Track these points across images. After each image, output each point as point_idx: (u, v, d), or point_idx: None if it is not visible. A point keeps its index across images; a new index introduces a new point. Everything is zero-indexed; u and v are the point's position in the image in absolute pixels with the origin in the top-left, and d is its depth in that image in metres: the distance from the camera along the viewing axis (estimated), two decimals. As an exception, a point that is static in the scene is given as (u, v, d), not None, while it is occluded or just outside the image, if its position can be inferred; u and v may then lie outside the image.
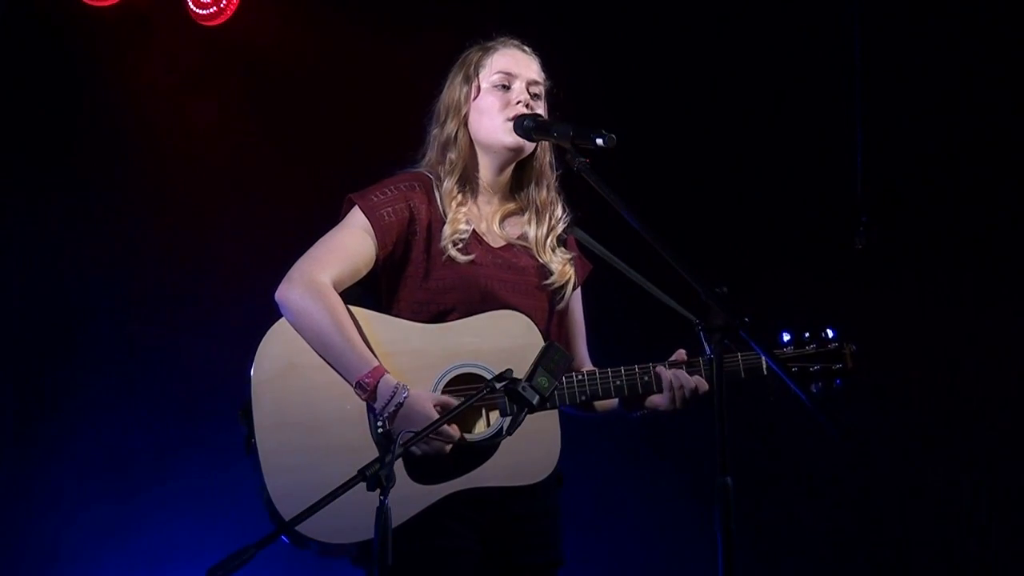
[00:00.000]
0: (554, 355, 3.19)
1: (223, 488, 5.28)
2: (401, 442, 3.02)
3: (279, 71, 5.65)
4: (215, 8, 5.57)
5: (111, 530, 5.42)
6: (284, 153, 5.60)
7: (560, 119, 3.57)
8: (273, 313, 3.50)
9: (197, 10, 5.56)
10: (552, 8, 5.60)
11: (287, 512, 3.33)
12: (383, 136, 3.99)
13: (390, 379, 3.38)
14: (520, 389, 3.14)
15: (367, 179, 3.69)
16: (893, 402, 5.61)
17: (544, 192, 3.70)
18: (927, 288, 5.64)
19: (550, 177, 3.72)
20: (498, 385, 3.16)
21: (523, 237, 3.69)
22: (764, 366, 3.56)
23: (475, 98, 3.64)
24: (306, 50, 5.65)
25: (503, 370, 3.17)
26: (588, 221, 3.77)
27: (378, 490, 2.89)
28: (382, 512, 2.89)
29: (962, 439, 5.61)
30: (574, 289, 3.74)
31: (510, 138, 3.60)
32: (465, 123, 3.65)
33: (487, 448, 3.44)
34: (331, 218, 3.63)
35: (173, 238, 5.55)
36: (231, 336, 5.19)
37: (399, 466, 3.36)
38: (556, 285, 3.68)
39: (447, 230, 3.57)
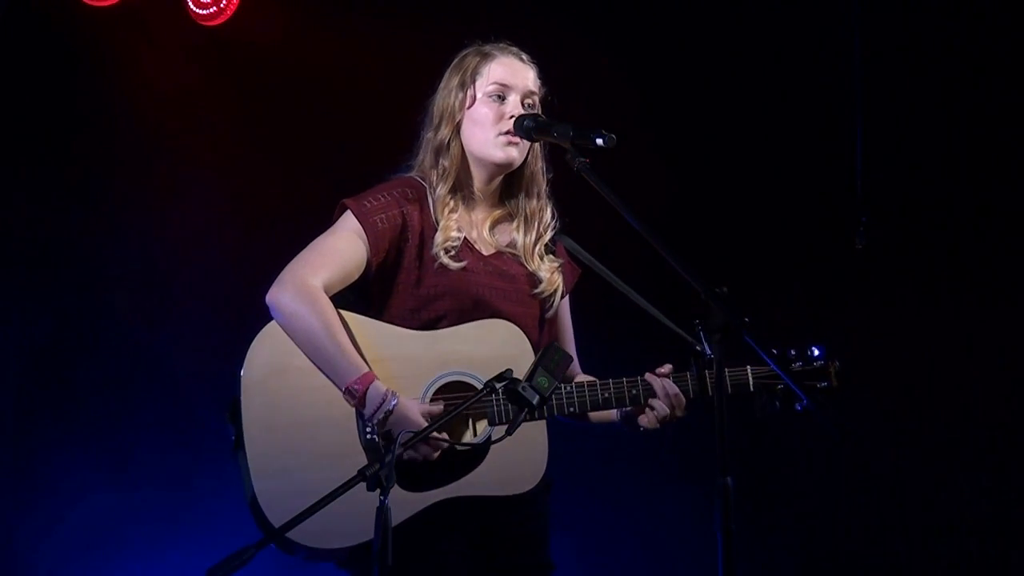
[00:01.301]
0: (554, 355, 3.19)
1: (219, 489, 5.29)
2: (401, 441, 3.02)
3: (279, 71, 5.65)
4: (215, 8, 5.56)
5: (111, 530, 5.42)
6: (284, 153, 5.60)
7: (560, 119, 3.56)
8: (266, 315, 3.49)
9: (197, 10, 5.56)
10: (552, 8, 5.60)
11: (273, 515, 3.32)
12: (383, 137, 3.98)
13: (379, 386, 3.36)
14: (520, 389, 3.14)
15: (367, 180, 3.69)
16: (892, 402, 5.61)
17: (534, 200, 3.70)
18: (927, 288, 5.64)
19: (541, 184, 3.71)
20: (498, 385, 3.15)
21: (512, 244, 3.68)
22: (751, 383, 3.58)
23: (470, 107, 3.63)
24: (306, 50, 5.64)
25: (502, 371, 3.17)
26: (577, 226, 3.76)
27: (378, 491, 2.90)
28: (382, 512, 2.89)
29: (962, 439, 5.61)
30: (562, 297, 3.74)
31: (501, 153, 3.59)
32: (458, 131, 3.64)
33: (476, 456, 3.44)
34: (330, 220, 3.62)
35: (171, 237, 5.55)
36: (227, 336, 5.22)
37: None
38: (545, 294, 3.67)
39: (439, 237, 3.55)
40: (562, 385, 3.51)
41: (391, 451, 2.94)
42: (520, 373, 3.16)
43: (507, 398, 3.23)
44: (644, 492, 5.76)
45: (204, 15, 5.57)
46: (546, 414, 3.48)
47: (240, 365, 3.45)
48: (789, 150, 5.71)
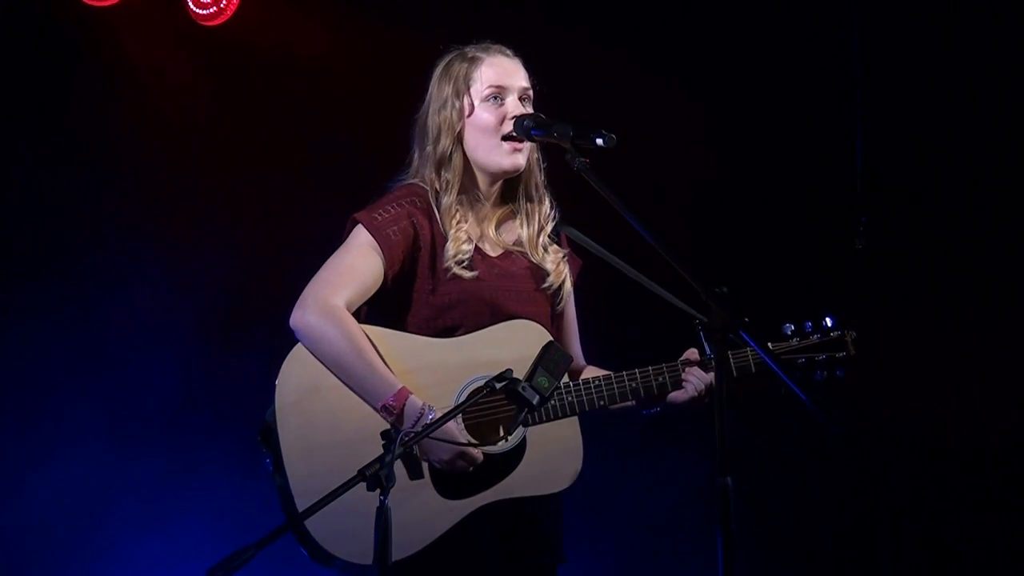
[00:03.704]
0: (554, 355, 3.19)
1: (231, 495, 5.31)
2: (402, 441, 3.02)
3: (279, 71, 5.65)
4: (215, 8, 5.56)
5: (119, 536, 5.43)
6: (285, 154, 5.60)
7: (559, 118, 3.56)
8: (278, 318, 3.50)
9: (197, 10, 5.56)
10: (555, 6, 5.60)
11: (319, 534, 3.34)
12: (384, 137, 3.98)
13: (415, 401, 3.38)
14: (520, 389, 3.14)
15: (368, 179, 3.69)
16: (893, 401, 5.61)
17: (533, 193, 3.72)
18: (927, 288, 5.64)
19: (538, 177, 3.72)
20: (498, 385, 3.16)
21: (518, 242, 3.70)
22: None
23: (469, 115, 3.62)
24: (306, 50, 5.64)
25: (502, 371, 3.17)
26: (580, 219, 3.77)
27: (378, 491, 2.89)
28: (382, 512, 2.89)
29: (961, 438, 5.60)
30: (570, 290, 3.75)
31: (508, 161, 3.60)
32: (460, 140, 3.63)
33: (512, 459, 3.46)
34: (332, 216, 3.62)
35: (173, 238, 5.55)
36: (234, 342, 5.22)
37: (427, 483, 3.39)
38: (553, 287, 3.69)
39: (450, 249, 3.56)
40: (590, 380, 3.55)
41: (391, 451, 2.95)
42: None
43: (507, 398, 3.24)
44: (644, 491, 5.76)
45: (204, 15, 5.57)
46: (577, 410, 3.52)
47: (272, 390, 3.45)
48: (789, 150, 5.71)
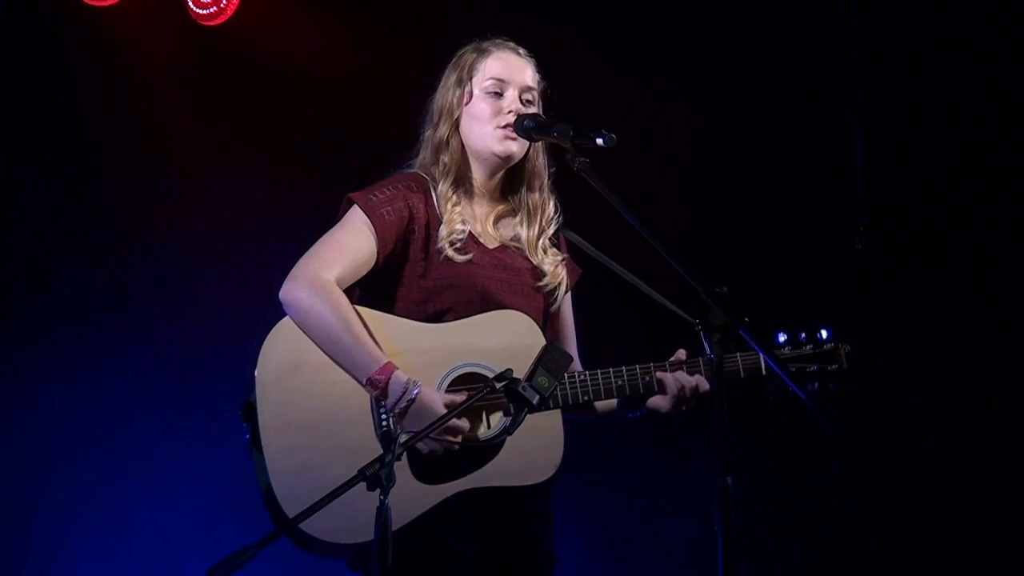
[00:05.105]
0: (554, 355, 3.19)
1: (223, 486, 5.30)
2: (401, 442, 3.02)
3: (279, 71, 5.65)
4: (215, 8, 5.56)
5: (107, 527, 5.43)
6: (285, 152, 5.60)
7: (560, 118, 3.57)
8: (274, 309, 3.49)
9: (197, 10, 5.56)
10: (553, 7, 5.60)
11: (292, 513, 3.31)
12: (384, 135, 3.99)
13: (401, 376, 3.38)
14: (520, 389, 3.14)
15: (369, 177, 3.70)
16: (892, 402, 5.61)
17: (536, 194, 3.71)
18: (927, 288, 5.65)
19: (543, 178, 3.72)
20: (498, 385, 3.16)
21: (516, 238, 3.70)
22: (763, 366, 3.59)
23: (467, 103, 3.64)
24: (306, 50, 5.65)
25: (504, 370, 3.17)
26: (580, 221, 3.77)
27: (379, 490, 2.90)
28: (382, 512, 2.89)
29: (961, 439, 5.61)
30: (566, 292, 3.75)
31: (500, 146, 3.61)
32: (457, 127, 3.65)
33: (491, 448, 3.45)
34: (332, 216, 3.63)
35: (173, 238, 5.55)
36: (233, 332, 5.22)
37: (403, 466, 3.37)
38: (549, 287, 3.69)
39: (443, 231, 3.57)
40: (576, 373, 3.54)
41: (391, 451, 2.95)
42: None
43: (507, 398, 3.24)
44: (643, 491, 5.76)
45: (204, 15, 5.57)
46: (560, 403, 3.49)
47: (254, 365, 3.44)
48: (789, 150, 5.71)
